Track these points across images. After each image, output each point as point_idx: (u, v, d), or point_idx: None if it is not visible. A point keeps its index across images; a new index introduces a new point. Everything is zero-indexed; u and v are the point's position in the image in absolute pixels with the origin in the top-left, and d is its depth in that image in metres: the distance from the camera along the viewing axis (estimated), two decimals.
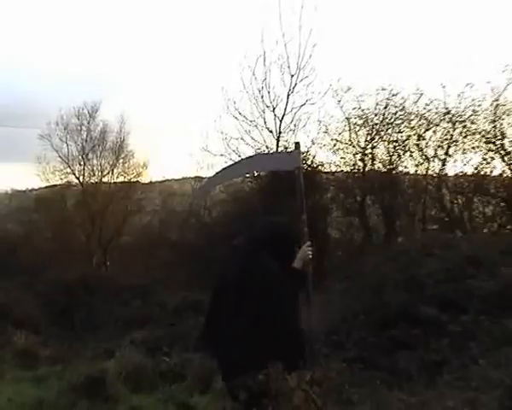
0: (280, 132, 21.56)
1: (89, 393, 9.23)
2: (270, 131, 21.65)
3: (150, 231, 23.67)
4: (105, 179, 29.45)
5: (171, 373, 10.18)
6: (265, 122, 21.79)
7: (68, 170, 29.56)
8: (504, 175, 21.57)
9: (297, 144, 7.43)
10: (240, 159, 7.74)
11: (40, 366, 11.58)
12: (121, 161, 29.49)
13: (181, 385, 9.83)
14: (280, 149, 21.29)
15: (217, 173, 7.49)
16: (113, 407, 8.92)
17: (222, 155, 22.18)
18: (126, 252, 23.00)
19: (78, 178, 29.55)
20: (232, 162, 7.65)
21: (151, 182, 29.86)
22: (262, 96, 21.70)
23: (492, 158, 21.44)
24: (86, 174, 29.50)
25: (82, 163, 29.47)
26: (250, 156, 8.08)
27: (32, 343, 12.68)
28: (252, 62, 21.70)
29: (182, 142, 42.53)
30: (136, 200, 28.56)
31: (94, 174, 29.52)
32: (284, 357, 6.02)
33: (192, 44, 49.71)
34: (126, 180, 29.33)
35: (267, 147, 21.64)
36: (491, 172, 21.63)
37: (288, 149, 19.89)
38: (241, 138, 21.88)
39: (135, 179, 29.37)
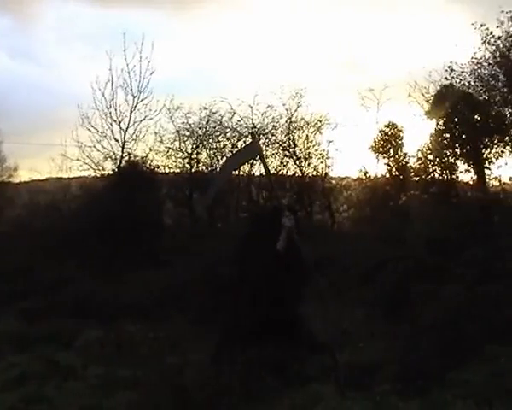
0: (124, 141, 21.19)
1: None
2: (117, 141, 21.24)
3: (21, 221, 22.74)
4: None
5: (44, 336, 9.82)
6: (113, 133, 21.31)
7: None
8: (296, 174, 22.25)
9: (252, 134, 7.48)
10: (222, 162, 7.85)
11: None
12: None
13: (50, 345, 9.47)
14: (125, 155, 21.03)
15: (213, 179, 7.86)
16: None
17: (78, 159, 21.55)
18: (3, 239, 21.94)
19: None
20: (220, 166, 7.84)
21: (20, 182, 28.69)
22: (110, 113, 21.25)
23: (287, 162, 22.06)
24: None
25: None
26: (225, 161, 8.26)
27: None
28: (102, 86, 21.18)
29: (45, 149, 40.87)
30: (9, 197, 27.51)
31: None
32: None
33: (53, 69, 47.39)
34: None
35: (114, 153, 21.26)
36: (287, 172, 22.26)
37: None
38: (94, 146, 21.33)
39: (7, 180, 28.21)
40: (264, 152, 21.10)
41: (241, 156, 8.40)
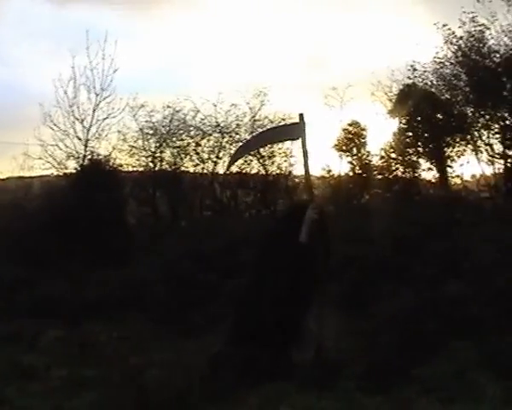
0: (87, 140, 20.94)
1: None
2: (80, 139, 21.00)
3: None
4: None
5: (5, 336, 9.67)
6: (75, 132, 21.06)
7: None
8: (260, 173, 22.29)
9: (301, 115, 7.26)
10: (255, 134, 7.45)
11: None
12: None
13: (12, 345, 9.35)
14: (88, 154, 20.80)
15: (240, 147, 7.58)
16: None
17: (40, 158, 21.28)
18: None
19: None
20: (250, 137, 7.52)
21: None
22: (73, 111, 20.97)
23: (251, 160, 22.03)
24: None
25: None
26: (262, 131, 7.83)
27: None
28: (64, 84, 20.92)
29: (7, 147, 40.23)
30: None
31: None
32: None
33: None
34: None
35: (77, 152, 20.99)
36: (251, 170, 22.27)
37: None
38: (56, 145, 21.08)
39: None
40: (233, 150, 21.32)
41: (283, 132, 8.25)
